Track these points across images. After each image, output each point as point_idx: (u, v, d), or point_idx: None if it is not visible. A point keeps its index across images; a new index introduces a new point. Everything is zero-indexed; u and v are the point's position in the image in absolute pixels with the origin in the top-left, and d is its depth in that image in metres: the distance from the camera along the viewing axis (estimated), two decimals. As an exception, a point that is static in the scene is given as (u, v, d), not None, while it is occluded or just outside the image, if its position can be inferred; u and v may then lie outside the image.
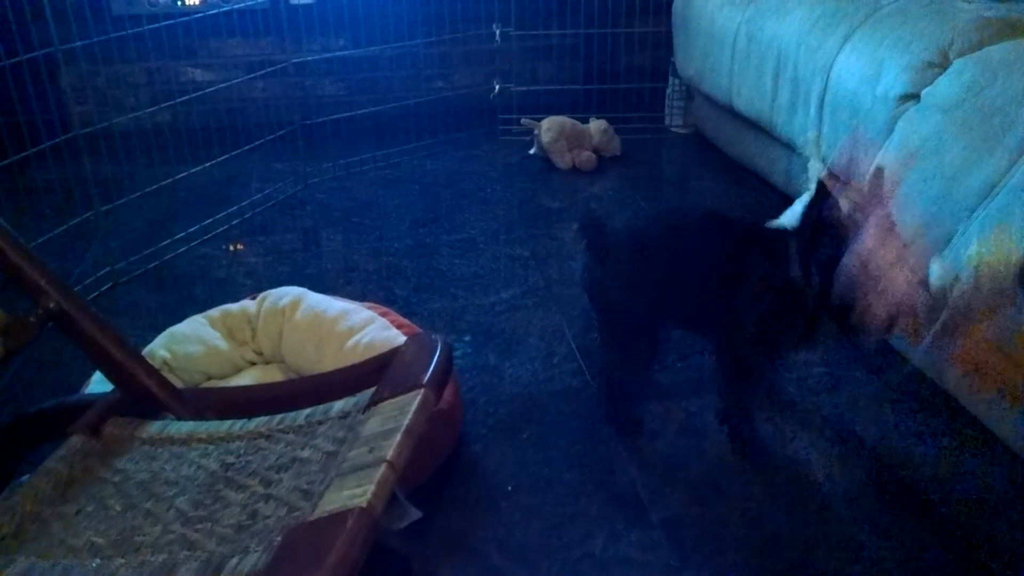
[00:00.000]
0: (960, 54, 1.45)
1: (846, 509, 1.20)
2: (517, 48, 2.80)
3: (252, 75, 2.54)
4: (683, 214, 1.39)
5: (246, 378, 1.40)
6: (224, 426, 0.90)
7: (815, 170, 1.17)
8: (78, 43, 1.85)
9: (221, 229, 2.14)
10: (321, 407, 0.88)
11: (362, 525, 0.65)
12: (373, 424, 0.80)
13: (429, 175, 2.51)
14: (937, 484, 1.25)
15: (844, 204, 1.07)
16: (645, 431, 1.37)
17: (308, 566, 0.63)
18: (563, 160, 2.51)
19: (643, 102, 2.83)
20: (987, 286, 1.10)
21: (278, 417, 0.89)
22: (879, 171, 1.04)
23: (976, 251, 1.13)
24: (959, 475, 1.26)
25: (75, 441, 0.89)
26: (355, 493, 0.69)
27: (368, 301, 1.50)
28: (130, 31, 2.00)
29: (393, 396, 0.83)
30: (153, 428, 0.92)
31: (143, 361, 0.96)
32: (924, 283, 1.01)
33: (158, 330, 1.40)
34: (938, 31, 1.52)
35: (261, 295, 1.48)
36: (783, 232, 1.18)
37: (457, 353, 1.58)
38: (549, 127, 2.51)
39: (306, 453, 0.82)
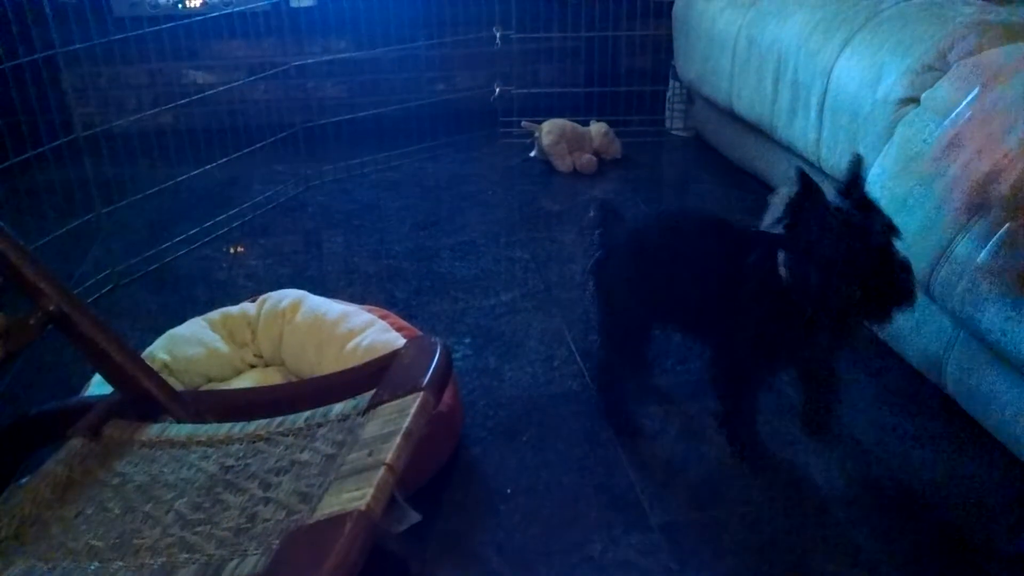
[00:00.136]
0: (960, 58, 1.45)
1: (844, 512, 1.20)
2: (518, 51, 2.80)
3: (253, 77, 2.54)
4: (681, 216, 1.39)
5: (246, 380, 1.40)
6: (223, 429, 0.90)
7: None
8: (79, 45, 1.85)
9: (222, 231, 2.14)
10: (320, 410, 0.89)
11: (361, 528, 0.66)
12: (372, 427, 0.80)
13: (430, 177, 2.51)
14: (935, 487, 1.25)
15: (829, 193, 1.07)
16: (644, 434, 1.37)
17: (307, 569, 0.63)
18: (563, 163, 2.51)
19: (644, 105, 2.84)
20: None
21: (277, 420, 0.89)
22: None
23: None
24: (957, 478, 1.26)
25: (75, 444, 0.89)
26: (354, 496, 0.69)
27: (368, 303, 1.50)
28: (131, 33, 2.00)
29: (393, 399, 0.83)
30: (153, 431, 0.92)
31: (143, 363, 0.96)
32: None
33: (158, 332, 1.40)
34: (938, 35, 1.52)
35: (261, 297, 1.48)
36: (778, 233, 1.17)
37: (457, 356, 1.58)
38: (550, 130, 2.51)
39: (305, 456, 0.82)
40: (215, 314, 1.45)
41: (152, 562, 0.73)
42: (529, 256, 1.99)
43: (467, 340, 1.64)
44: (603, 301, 1.37)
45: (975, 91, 1.11)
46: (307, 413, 0.89)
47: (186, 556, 0.73)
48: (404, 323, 1.43)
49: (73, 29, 1.86)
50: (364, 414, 0.84)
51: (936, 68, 1.48)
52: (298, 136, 2.48)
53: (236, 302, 1.50)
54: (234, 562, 0.70)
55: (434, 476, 1.26)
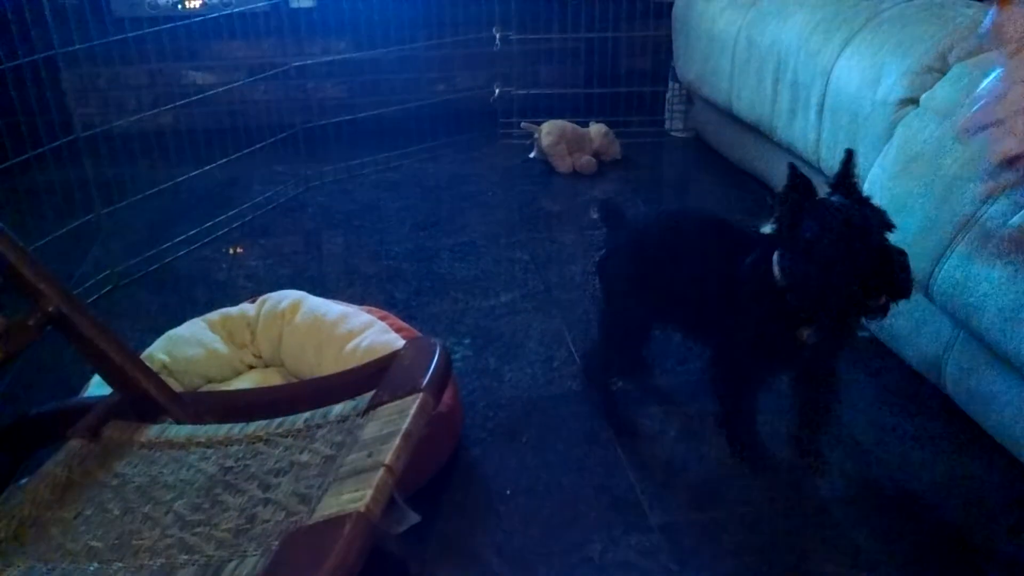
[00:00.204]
0: (959, 59, 1.45)
1: (844, 513, 1.20)
2: (518, 51, 2.80)
3: (253, 78, 2.54)
4: (681, 217, 1.39)
5: (245, 381, 1.40)
6: (223, 430, 0.90)
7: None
8: (79, 45, 1.85)
9: (222, 232, 2.14)
10: (320, 411, 0.89)
11: (360, 529, 0.66)
12: (372, 428, 0.80)
13: (430, 178, 2.51)
14: (935, 488, 1.25)
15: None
16: (644, 434, 1.37)
17: (306, 570, 0.63)
18: (563, 164, 2.51)
19: (643, 106, 2.84)
20: None
21: (277, 421, 0.89)
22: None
23: None
24: (957, 479, 1.26)
25: (74, 445, 0.89)
26: (353, 497, 0.69)
27: (368, 304, 1.50)
28: (131, 33, 2.00)
29: (392, 400, 0.83)
30: (152, 432, 0.92)
31: (142, 364, 0.96)
32: None
33: (158, 332, 1.40)
34: (938, 36, 1.52)
35: (261, 298, 1.48)
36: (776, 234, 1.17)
37: (456, 357, 1.58)
38: (549, 131, 2.51)
39: (305, 457, 0.82)
40: (214, 315, 1.45)
41: (151, 563, 0.73)
42: (529, 257, 1.99)
43: (467, 341, 1.64)
44: (604, 299, 1.37)
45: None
46: (306, 414, 0.89)
47: (185, 557, 0.73)
48: (404, 324, 1.43)
49: (73, 30, 1.86)
50: (363, 415, 0.84)
51: (936, 69, 1.48)
52: (298, 137, 2.48)
53: (236, 303, 1.50)
54: (233, 563, 0.70)
55: (434, 477, 1.26)
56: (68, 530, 0.79)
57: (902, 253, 1.04)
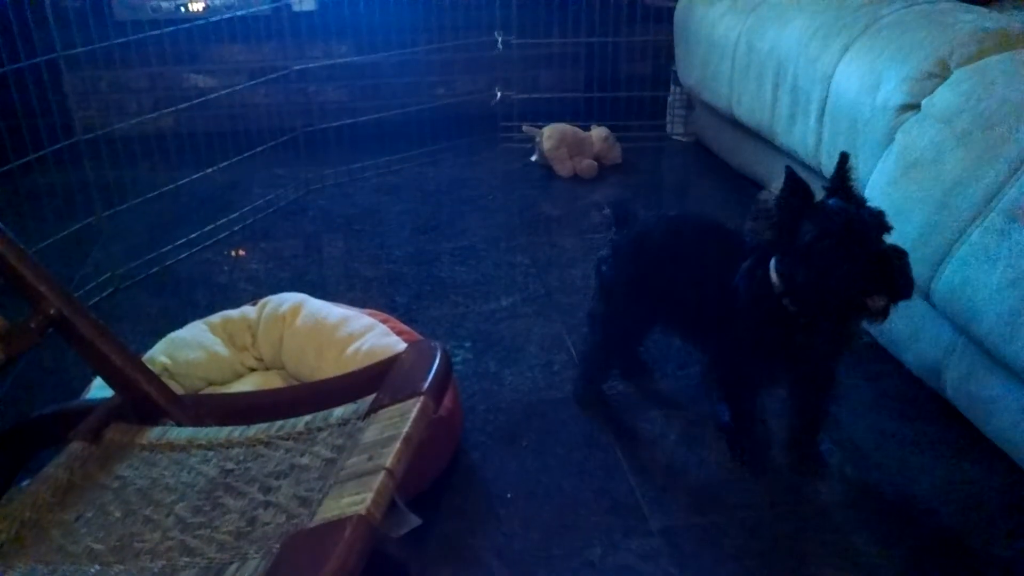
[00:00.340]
0: (959, 65, 1.45)
1: (843, 517, 1.20)
2: (518, 56, 2.81)
3: (254, 81, 2.54)
4: (681, 221, 1.39)
5: (246, 384, 1.40)
6: (224, 432, 0.90)
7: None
8: (81, 48, 1.85)
9: (223, 235, 2.14)
10: (320, 414, 0.89)
11: (360, 533, 0.66)
12: (372, 431, 0.80)
13: (430, 182, 2.52)
14: (934, 492, 1.25)
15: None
16: (644, 438, 1.37)
17: (306, 573, 0.63)
18: (564, 168, 2.52)
19: (644, 110, 2.84)
20: None
21: (278, 424, 0.89)
22: None
23: None
24: (956, 483, 1.26)
25: (75, 447, 0.89)
26: (354, 500, 0.69)
27: (369, 307, 1.50)
28: (133, 37, 2.00)
29: (393, 403, 0.83)
30: (153, 434, 0.92)
31: (143, 367, 0.96)
32: None
33: (159, 335, 1.41)
34: (937, 42, 1.53)
35: (262, 301, 1.48)
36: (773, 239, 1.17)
37: (457, 360, 1.58)
38: (550, 135, 2.51)
39: (305, 460, 0.82)
40: (215, 318, 1.46)
41: (152, 565, 0.73)
42: (529, 261, 1.99)
43: (467, 344, 1.64)
44: (603, 300, 1.37)
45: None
46: (307, 417, 0.89)
47: (186, 559, 0.73)
48: (404, 327, 1.43)
49: (74, 32, 1.86)
50: (364, 418, 0.84)
51: (936, 75, 1.48)
52: (299, 140, 2.49)
53: (236, 306, 1.50)
54: (234, 566, 0.70)
55: (434, 480, 1.26)
56: (69, 532, 0.79)
57: (902, 254, 1.04)
